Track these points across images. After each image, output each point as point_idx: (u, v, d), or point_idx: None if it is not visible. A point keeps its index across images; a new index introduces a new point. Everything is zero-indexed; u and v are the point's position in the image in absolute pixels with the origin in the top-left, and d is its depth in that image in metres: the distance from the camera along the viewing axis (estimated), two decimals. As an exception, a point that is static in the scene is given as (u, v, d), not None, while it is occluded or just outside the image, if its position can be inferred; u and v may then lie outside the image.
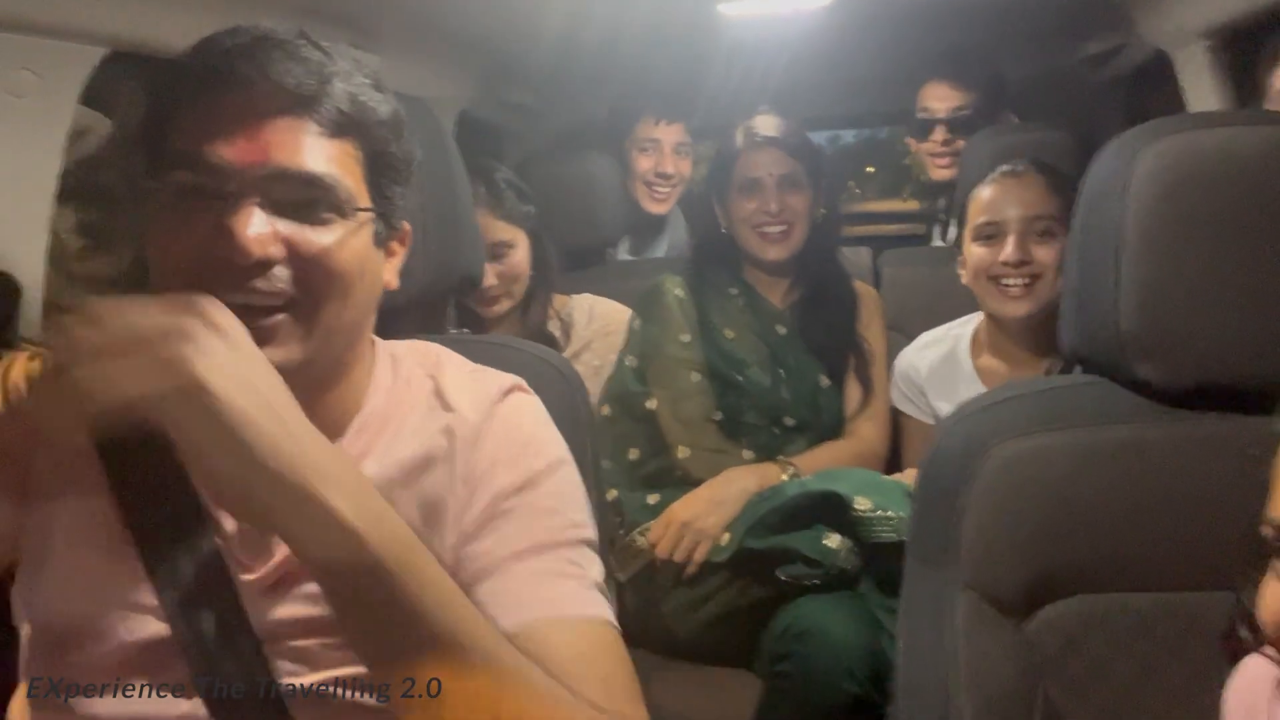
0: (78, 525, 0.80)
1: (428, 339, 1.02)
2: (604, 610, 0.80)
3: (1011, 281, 1.52)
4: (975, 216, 1.59)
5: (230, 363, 0.61)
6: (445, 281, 1.16)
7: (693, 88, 2.38)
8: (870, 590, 1.49)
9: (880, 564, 1.47)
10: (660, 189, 2.37)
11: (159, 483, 0.79)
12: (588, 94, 2.57)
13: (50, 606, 0.78)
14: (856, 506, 1.46)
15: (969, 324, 1.72)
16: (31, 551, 0.80)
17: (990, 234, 1.55)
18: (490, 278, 1.77)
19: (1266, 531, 0.71)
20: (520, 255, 1.84)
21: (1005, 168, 1.60)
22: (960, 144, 2.16)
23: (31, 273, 1.12)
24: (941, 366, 1.71)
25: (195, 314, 0.61)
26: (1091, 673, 0.93)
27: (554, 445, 0.88)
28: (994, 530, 0.95)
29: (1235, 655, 0.80)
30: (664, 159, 2.35)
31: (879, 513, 1.45)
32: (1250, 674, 0.78)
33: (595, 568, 0.83)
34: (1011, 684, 0.92)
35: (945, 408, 1.69)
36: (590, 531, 0.85)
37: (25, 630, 0.80)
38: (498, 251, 1.80)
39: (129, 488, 0.79)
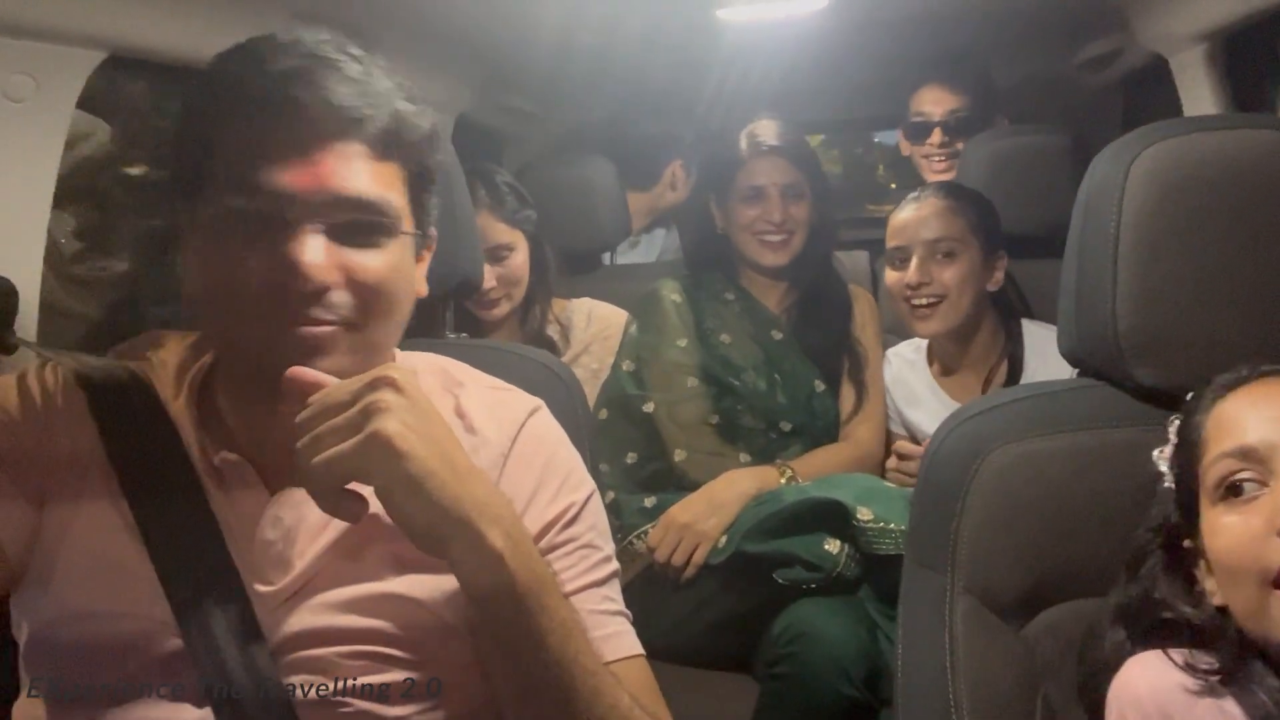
0: (91, 536, 0.79)
1: (425, 343, 1.02)
2: (637, 644, 0.85)
3: (918, 302, 1.65)
4: (887, 242, 1.71)
5: (411, 420, 0.69)
6: (443, 285, 1.15)
7: (690, 92, 2.39)
8: (869, 597, 1.49)
9: (880, 572, 1.47)
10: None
11: (174, 496, 0.80)
12: (585, 98, 2.58)
13: (60, 615, 0.78)
14: (859, 516, 1.46)
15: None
16: (42, 559, 0.80)
17: (899, 258, 1.68)
18: (490, 280, 1.77)
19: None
20: (520, 258, 1.84)
21: (912, 195, 1.73)
22: (959, 145, 2.18)
23: (29, 275, 1.11)
24: (904, 375, 1.81)
25: (383, 383, 0.69)
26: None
27: (584, 472, 0.91)
28: (992, 534, 0.95)
29: (1107, 664, 0.82)
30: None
31: (880, 524, 1.45)
32: (1141, 679, 0.79)
33: (620, 593, 0.88)
34: (1011, 688, 0.92)
35: (910, 413, 1.77)
36: (615, 560, 0.89)
37: (25, 636, 0.80)
38: (498, 254, 1.80)
39: (144, 501, 0.80)
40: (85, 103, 1.15)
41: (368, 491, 0.70)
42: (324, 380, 0.72)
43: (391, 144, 0.79)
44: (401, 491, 0.68)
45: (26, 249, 1.12)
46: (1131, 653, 0.81)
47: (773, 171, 1.82)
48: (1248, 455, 0.78)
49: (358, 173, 0.76)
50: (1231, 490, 0.78)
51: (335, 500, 0.70)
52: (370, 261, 0.77)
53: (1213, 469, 0.80)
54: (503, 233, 1.81)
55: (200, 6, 1.23)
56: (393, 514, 0.70)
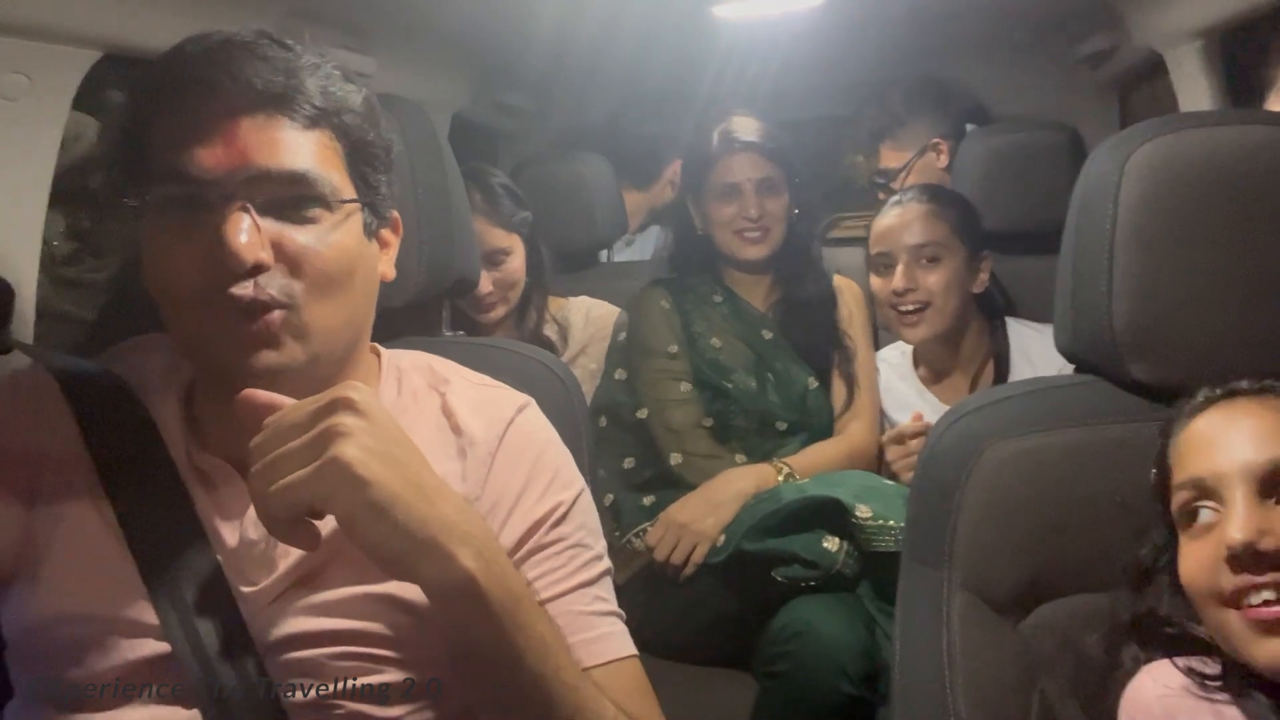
0: (77, 538, 0.79)
1: (422, 342, 1.02)
2: (630, 644, 0.84)
3: (905, 308, 1.64)
4: (871, 248, 1.70)
5: (372, 443, 0.67)
6: (439, 284, 1.15)
7: (687, 89, 2.38)
8: (868, 594, 1.50)
9: (879, 570, 1.47)
10: None
11: (157, 498, 0.80)
12: (581, 96, 2.58)
13: (47, 618, 0.77)
14: (858, 514, 1.46)
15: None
16: (30, 562, 0.79)
17: (884, 264, 1.67)
18: (486, 284, 1.77)
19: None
20: (517, 262, 1.84)
21: (894, 199, 1.71)
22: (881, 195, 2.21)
23: (25, 276, 1.11)
24: (892, 382, 1.80)
25: (341, 405, 0.67)
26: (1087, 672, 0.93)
27: (573, 469, 0.90)
28: (989, 530, 0.95)
29: (1128, 675, 0.83)
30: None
31: (879, 522, 1.45)
32: (1150, 687, 0.80)
33: (613, 592, 0.87)
34: (1008, 684, 0.92)
35: (900, 418, 1.75)
36: (608, 558, 0.88)
37: (15, 640, 0.80)
38: (495, 259, 1.80)
39: (129, 504, 0.79)
40: (77, 102, 1.15)
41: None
42: (279, 401, 0.70)
43: (320, 117, 0.78)
44: (365, 519, 0.66)
45: (22, 249, 1.12)
46: (1145, 661, 0.82)
47: (746, 167, 1.81)
48: (1199, 486, 0.79)
49: (283, 146, 0.75)
50: (1190, 517, 0.80)
51: (289, 528, 0.67)
52: (303, 236, 0.76)
53: (1175, 497, 0.82)
54: (499, 237, 1.80)
55: (197, 6, 1.23)
56: (356, 541, 0.67)
